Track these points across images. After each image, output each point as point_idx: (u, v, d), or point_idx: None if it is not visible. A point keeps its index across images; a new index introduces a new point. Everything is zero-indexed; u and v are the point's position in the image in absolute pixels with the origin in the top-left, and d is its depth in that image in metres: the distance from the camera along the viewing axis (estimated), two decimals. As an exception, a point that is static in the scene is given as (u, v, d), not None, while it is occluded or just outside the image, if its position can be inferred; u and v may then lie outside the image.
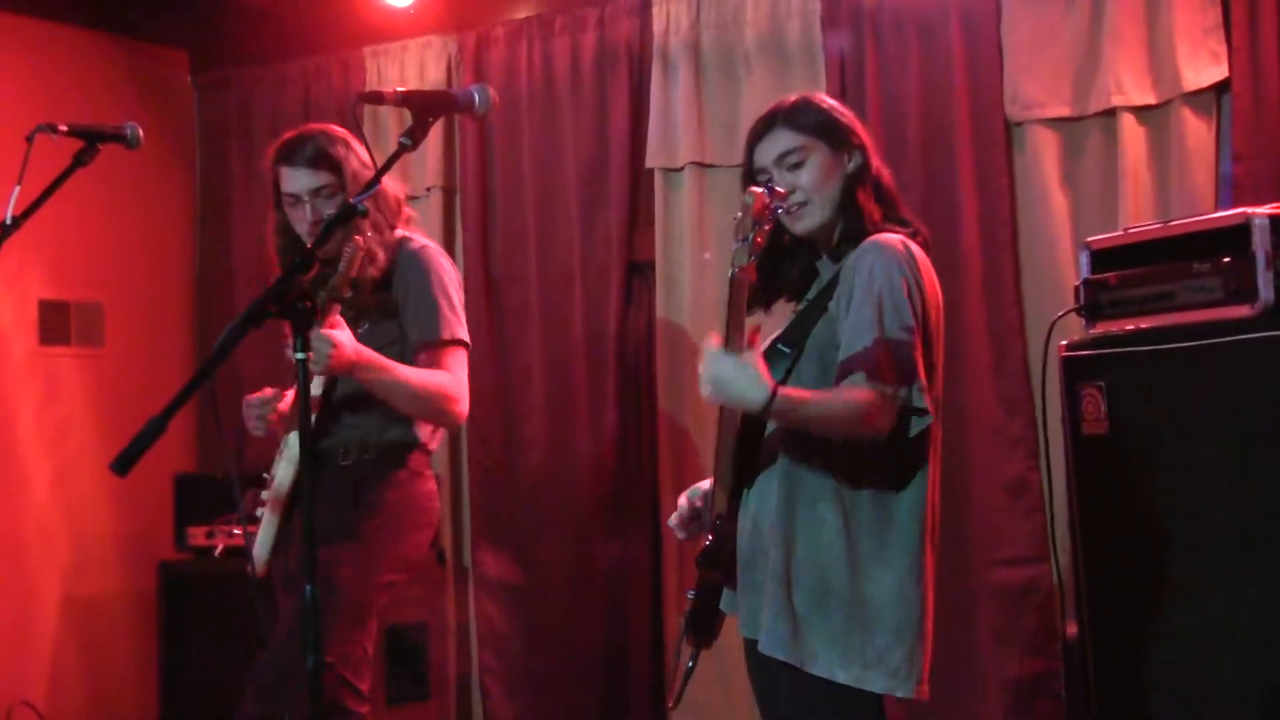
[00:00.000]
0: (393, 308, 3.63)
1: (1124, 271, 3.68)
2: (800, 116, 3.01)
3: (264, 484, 3.63)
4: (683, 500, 3.13)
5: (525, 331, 5.56)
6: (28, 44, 5.71)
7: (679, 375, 5.21)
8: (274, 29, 6.03)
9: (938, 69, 4.74)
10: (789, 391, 2.68)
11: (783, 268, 3.06)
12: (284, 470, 3.54)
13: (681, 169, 5.19)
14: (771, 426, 2.90)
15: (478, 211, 5.63)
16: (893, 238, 2.86)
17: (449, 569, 5.61)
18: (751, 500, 2.93)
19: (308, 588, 2.54)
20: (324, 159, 3.58)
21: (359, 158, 3.62)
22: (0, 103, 5.45)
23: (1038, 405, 4.38)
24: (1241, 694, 3.38)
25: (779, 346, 2.95)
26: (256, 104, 6.14)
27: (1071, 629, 3.86)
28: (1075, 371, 3.75)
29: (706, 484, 3.06)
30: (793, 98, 3.07)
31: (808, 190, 2.96)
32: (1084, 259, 3.81)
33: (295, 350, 2.59)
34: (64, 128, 3.28)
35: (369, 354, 3.44)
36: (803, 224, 2.96)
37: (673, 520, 3.14)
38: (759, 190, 2.66)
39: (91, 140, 3.31)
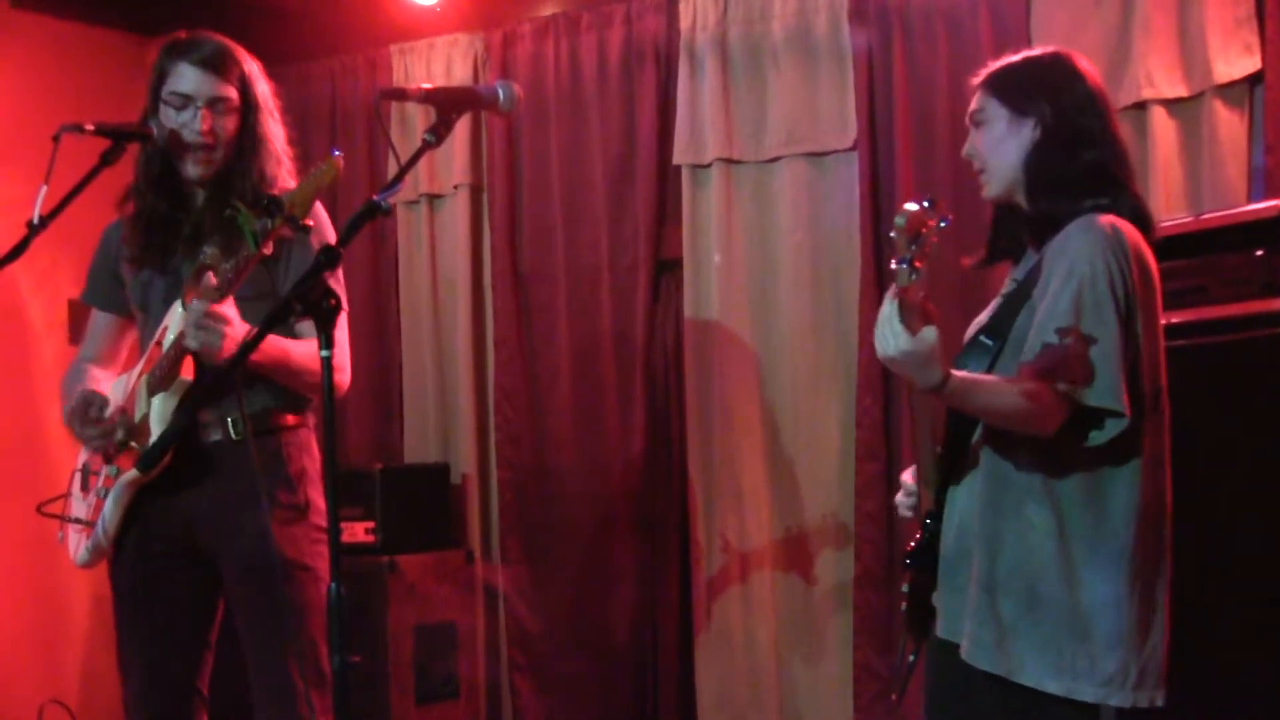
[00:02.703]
0: (268, 261, 3.24)
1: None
2: (995, 75, 2.85)
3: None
4: (908, 478, 2.99)
5: (553, 330, 5.56)
6: (54, 45, 5.73)
7: (707, 371, 5.19)
8: (301, 28, 6.04)
9: (966, 63, 4.68)
10: (962, 375, 2.54)
11: (1005, 230, 2.93)
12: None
13: (709, 165, 5.17)
14: (981, 427, 2.75)
15: (505, 209, 5.63)
16: (1102, 219, 2.65)
17: (478, 568, 5.60)
18: (958, 500, 2.80)
19: (334, 585, 2.51)
20: (232, 69, 3.36)
21: (265, 86, 3.44)
22: (27, 103, 5.47)
23: (1069, 401, 4.36)
24: (1268, 692, 3.35)
25: (981, 338, 2.80)
26: (283, 103, 6.13)
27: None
28: (1106, 367, 3.72)
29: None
30: (1020, 55, 2.89)
31: (982, 155, 2.85)
32: (1115, 253, 3.78)
33: (321, 348, 2.55)
34: (90, 127, 3.26)
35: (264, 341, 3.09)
36: (985, 191, 2.86)
37: (900, 498, 3.03)
38: (912, 208, 2.40)
39: (118, 139, 3.29)
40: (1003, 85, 2.82)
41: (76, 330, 5.73)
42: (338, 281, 3.42)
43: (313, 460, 3.46)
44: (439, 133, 2.75)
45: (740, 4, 5.13)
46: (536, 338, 5.61)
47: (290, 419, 3.44)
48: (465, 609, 5.49)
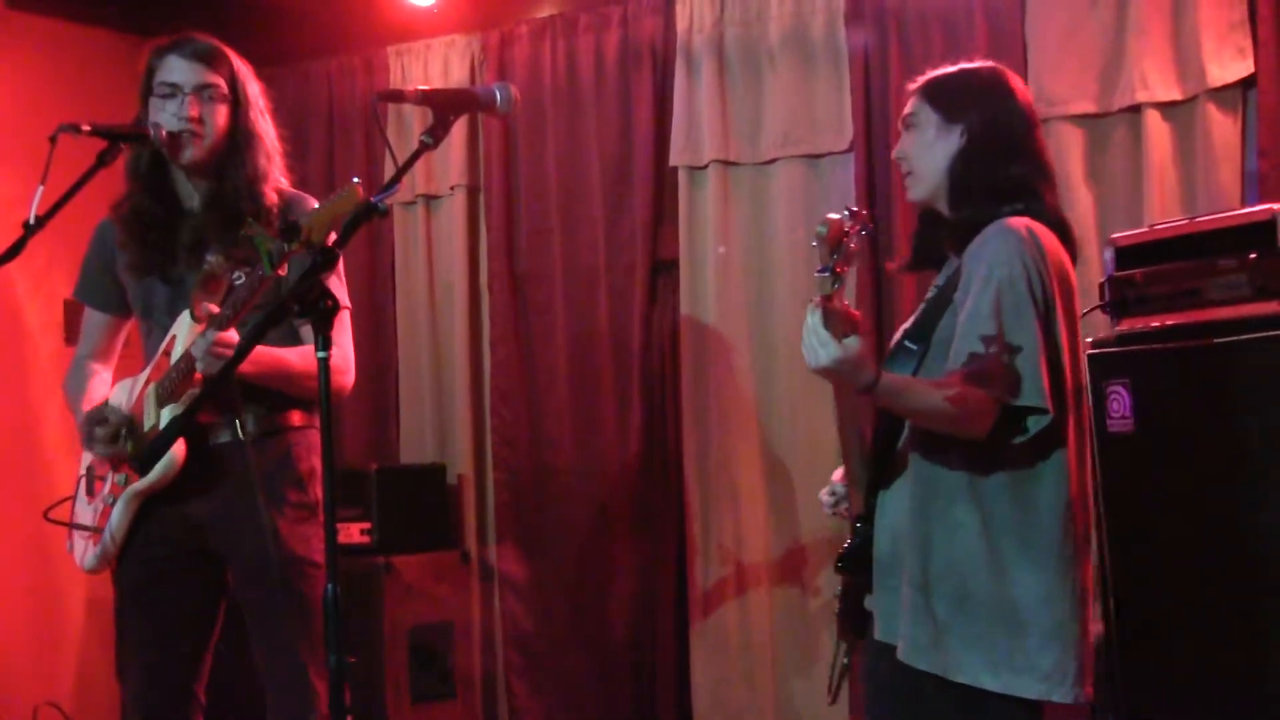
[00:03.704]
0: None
1: (1150, 268, 3.66)
2: (930, 81, 2.92)
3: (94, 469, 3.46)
4: (836, 476, 3.05)
5: (550, 330, 5.56)
6: (53, 46, 5.74)
7: (704, 373, 5.20)
8: (298, 29, 6.04)
9: (962, 65, 4.72)
10: (893, 377, 2.60)
11: (928, 236, 2.99)
12: (169, 453, 3.24)
13: (705, 167, 5.18)
14: (907, 431, 2.81)
15: (502, 210, 5.63)
16: (1016, 222, 2.72)
17: (474, 568, 5.61)
18: (889, 502, 2.84)
19: (330, 586, 2.52)
20: (220, 61, 3.40)
21: (256, 85, 3.47)
22: (24, 103, 5.48)
23: (1063, 402, 4.37)
24: (1267, 691, 3.36)
25: (906, 343, 2.86)
26: (281, 103, 6.13)
27: (1098, 627, 3.85)
28: (1101, 369, 3.73)
29: None
30: (957, 66, 2.96)
31: (909, 158, 2.91)
32: (1109, 256, 3.80)
33: (317, 350, 2.56)
34: (87, 128, 3.26)
35: (258, 355, 3.20)
36: (910, 193, 2.93)
37: (823, 495, 3.08)
38: (834, 217, 2.48)
39: (114, 140, 3.30)
40: (936, 92, 2.90)
41: (72, 331, 5.74)
42: (340, 282, 3.44)
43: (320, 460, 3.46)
44: (436, 134, 2.75)
45: (737, 6, 5.13)
46: (533, 338, 5.61)
47: (298, 419, 3.45)
48: (461, 609, 5.50)
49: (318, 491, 3.43)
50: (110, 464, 3.42)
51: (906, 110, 2.94)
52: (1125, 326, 3.71)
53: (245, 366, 3.14)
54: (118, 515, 3.38)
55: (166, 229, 3.41)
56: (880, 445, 2.86)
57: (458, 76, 5.70)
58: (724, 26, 5.16)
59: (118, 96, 5.74)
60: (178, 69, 3.35)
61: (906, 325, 2.93)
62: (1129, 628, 3.68)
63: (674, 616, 5.33)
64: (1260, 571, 3.38)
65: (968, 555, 2.70)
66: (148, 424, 3.33)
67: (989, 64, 2.97)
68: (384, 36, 5.89)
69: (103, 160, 3.29)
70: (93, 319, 3.64)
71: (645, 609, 5.38)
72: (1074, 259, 2.83)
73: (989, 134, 2.83)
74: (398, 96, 2.86)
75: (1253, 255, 3.40)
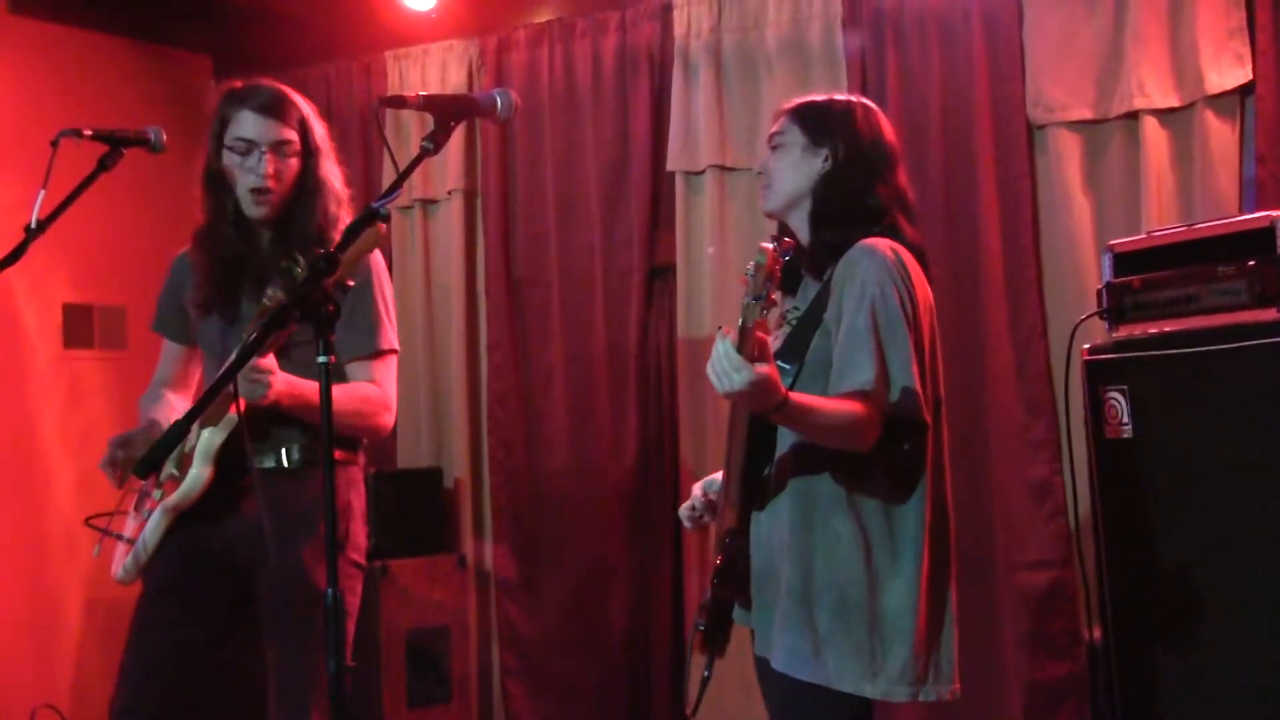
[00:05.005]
0: None
1: (1147, 275, 3.67)
2: (803, 104, 3.01)
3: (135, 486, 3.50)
4: (696, 490, 3.12)
5: (547, 335, 5.57)
6: (54, 50, 5.74)
7: (700, 377, 5.19)
8: (297, 33, 6.04)
9: (959, 71, 4.73)
10: (799, 397, 2.65)
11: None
12: (197, 471, 3.33)
13: (702, 172, 5.19)
14: (783, 447, 2.87)
15: (499, 215, 5.64)
16: (881, 243, 2.82)
17: (470, 572, 5.61)
18: (764, 518, 2.89)
19: (329, 591, 2.53)
20: (291, 112, 3.45)
21: (322, 127, 3.52)
22: (27, 108, 5.48)
23: (1060, 409, 4.39)
24: (1265, 698, 3.37)
25: (779, 364, 2.86)
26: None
27: (1095, 632, 3.85)
28: (1098, 375, 3.74)
29: (719, 476, 3.03)
30: (831, 96, 3.06)
31: (770, 172, 2.98)
32: (1107, 262, 3.81)
33: (318, 354, 2.58)
34: (88, 132, 3.29)
35: (297, 386, 3.25)
36: (764, 203, 3.00)
37: (683, 510, 3.14)
38: (770, 247, 2.55)
39: (115, 144, 3.32)
40: (806, 115, 2.99)
41: (70, 335, 5.75)
42: (390, 324, 3.51)
43: (359, 496, 3.52)
44: (438, 140, 2.76)
45: (734, 11, 5.14)
46: (530, 342, 5.62)
47: (339, 454, 3.46)
48: (458, 613, 5.50)
49: (349, 527, 3.46)
50: (155, 480, 3.46)
51: (774, 129, 3.02)
52: (1123, 333, 3.72)
53: (284, 399, 3.21)
54: (150, 529, 3.42)
55: (237, 268, 3.46)
56: (753, 462, 2.90)
57: (455, 81, 5.70)
58: (721, 32, 5.16)
59: (119, 101, 5.77)
60: (251, 124, 3.40)
61: (775, 347, 2.93)
62: (1126, 632, 3.69)
63: (670, 619, 5.34)
64: (1258, 579, 3.38)
65: (846, 567, 2.78)
66: (188, 445, 3.38)
67: (863, 100, 3.06)
68: (382, 41, 5.90)
69: (104, 165, 3.32)
70: (169, 349, 3.72)
71: (642, 612, 5.39)
72: (930, 281, 2.91)
73: (852, 161, 2.92)
74: (400, 102, 2.87)
75: (1251, 262, 3.41)
